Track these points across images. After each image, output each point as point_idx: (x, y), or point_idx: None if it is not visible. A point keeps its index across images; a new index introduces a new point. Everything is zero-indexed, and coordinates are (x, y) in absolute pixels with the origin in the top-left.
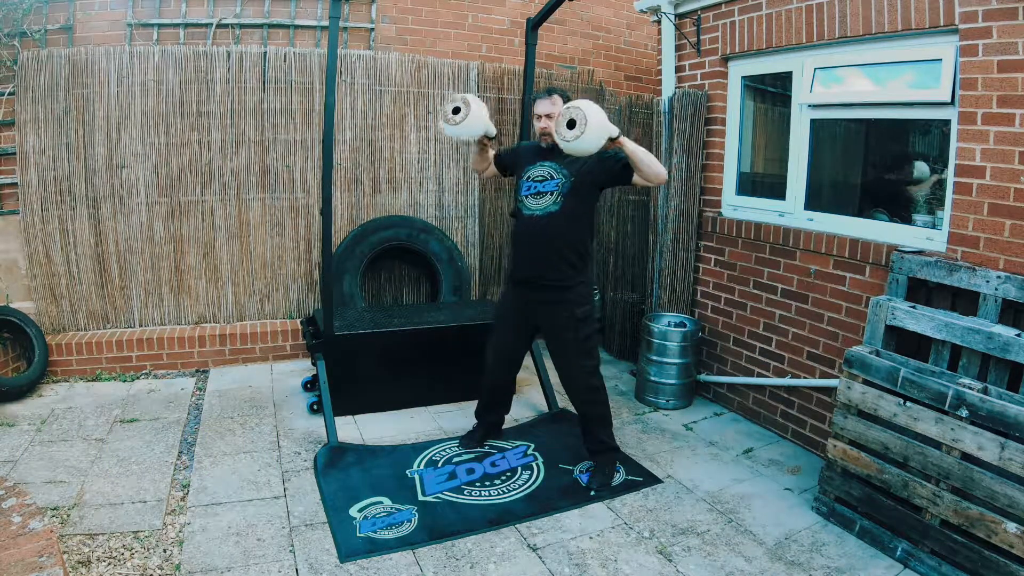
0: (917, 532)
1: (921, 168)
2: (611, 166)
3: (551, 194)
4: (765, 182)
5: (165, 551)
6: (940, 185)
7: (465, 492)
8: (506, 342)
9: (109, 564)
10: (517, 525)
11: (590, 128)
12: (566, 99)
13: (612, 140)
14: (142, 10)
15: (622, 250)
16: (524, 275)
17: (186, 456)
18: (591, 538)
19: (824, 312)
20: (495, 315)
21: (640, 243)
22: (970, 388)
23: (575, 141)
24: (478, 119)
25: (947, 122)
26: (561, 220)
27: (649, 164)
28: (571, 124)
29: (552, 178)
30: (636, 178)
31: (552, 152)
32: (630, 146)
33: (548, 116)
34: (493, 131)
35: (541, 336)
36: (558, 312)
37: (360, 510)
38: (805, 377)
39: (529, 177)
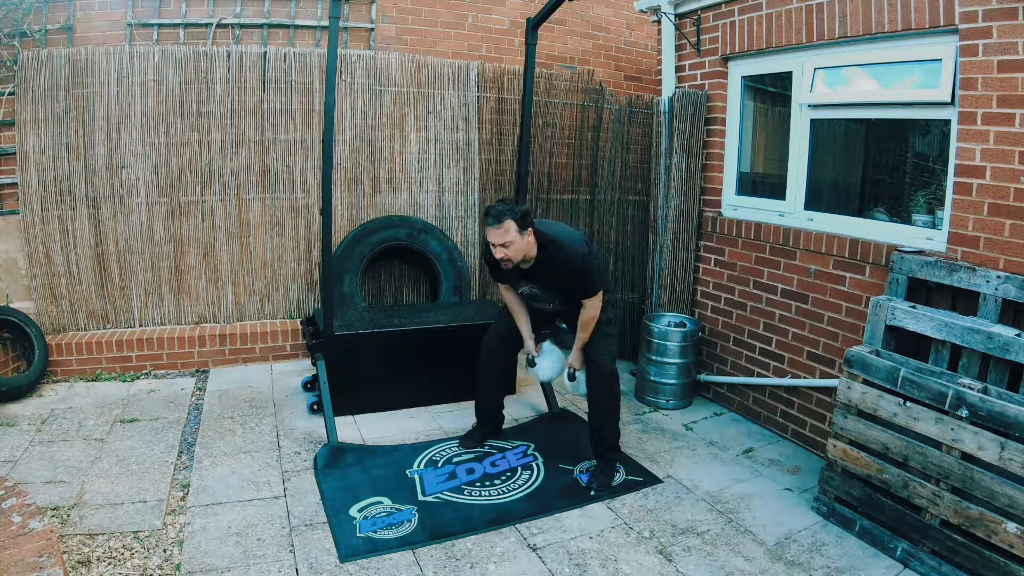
0: (917, 532)
1: (921, 168)
2: (577, 288)
3: (547, 302)
4: (765, 182)
5: (165, 551)
6: (940, 185)
7: (465, 492)
8: (512, 325)
9: (109, 564)
10: (517, 525)
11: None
12: (516, 218)
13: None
14: (142, 10)
15: (622, 250)
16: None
17: (186, 456)
18: (591, 538)
19: (824, 312)
20: (502, 307)
21: (640, 243)
22: (970, 388)
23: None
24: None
25: (947, 122)
26: (567, 308)
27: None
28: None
29: (540, 295)
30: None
31: (528, 274)
32: (583, 338)
33: (503, 245)
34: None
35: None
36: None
37: (360, 510)
38: (805, 377)
39: (521, 292)
